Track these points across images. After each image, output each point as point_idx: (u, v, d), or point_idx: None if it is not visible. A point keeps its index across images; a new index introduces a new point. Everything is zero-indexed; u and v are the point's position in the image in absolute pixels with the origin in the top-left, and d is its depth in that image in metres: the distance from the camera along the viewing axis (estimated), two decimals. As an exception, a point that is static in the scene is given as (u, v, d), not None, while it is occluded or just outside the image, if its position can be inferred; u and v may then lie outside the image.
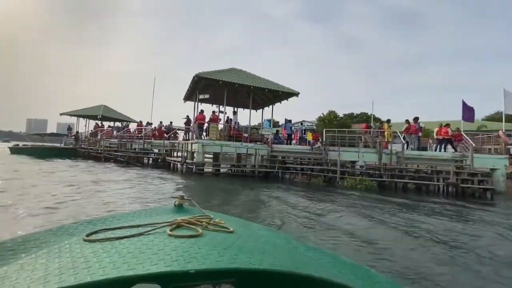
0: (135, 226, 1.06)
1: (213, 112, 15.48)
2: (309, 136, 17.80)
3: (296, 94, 15.58)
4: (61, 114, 30.20)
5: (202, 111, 15.49)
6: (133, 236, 0.96)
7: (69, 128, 29.97)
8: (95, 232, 1.02)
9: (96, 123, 26.89)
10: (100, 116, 25.47)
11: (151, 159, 17.98)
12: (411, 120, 13.79)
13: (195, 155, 13.73)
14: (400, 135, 13.22)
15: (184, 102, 19.25)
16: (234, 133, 14.95)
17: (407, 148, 12.86)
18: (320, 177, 12.00)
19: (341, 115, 49.03)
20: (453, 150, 13.03)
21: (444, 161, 12.39)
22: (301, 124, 38.89)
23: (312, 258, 1.16)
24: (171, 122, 21.70)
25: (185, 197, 1.49)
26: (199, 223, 1.09)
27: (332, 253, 1.35)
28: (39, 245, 1.04)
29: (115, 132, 24.05)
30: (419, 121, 13.74)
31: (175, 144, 16.79)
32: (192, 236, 0.95)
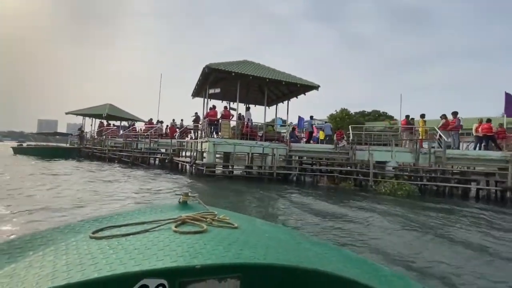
0: (141, 223, 1.06)
1: (225, 107, 14.04)
2: (321, 135, 16.30)
3: (315, 87, 14.04)
4: (66, 113, 29.29)
5: (214, 107, 14.09)
6: (138, 232, 0.96)
7: (80, 129, 29.09)
8: (101, 230, 1.03)
9: (100, 121, 25.76)
10: (105, 114, 24.32)
11: (157, 159, 16.68)
12: (449, 116, 12.09)
13: (205, 155, 12.35)
14: (437, 132, 11.55)
15: (193, 98, 17.91)
16: (247, 130, 13.50)
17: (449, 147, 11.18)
18: (350, 181, 10.45)
19: (352, 112, 47.13)
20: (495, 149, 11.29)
21: (491, 162, 10.68)
22: (311, 119, 37.11)
23: (317, 252, 1.17)
24: (182, 120, 20.40)
25: (190, 194, 1.46)
26: (204, 219, 1.09)
27: (337, 247, 1.35)
28: (46, 243, 1.05)
29: (121, 131, 22.87)
30: (458, 116, 12.02)
31: (183, 144, 15.43)
32: (197, 232, 0.96)
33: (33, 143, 22.83)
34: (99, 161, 18.96)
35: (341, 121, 39.61)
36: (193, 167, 12.15)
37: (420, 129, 12.02)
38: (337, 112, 44.70)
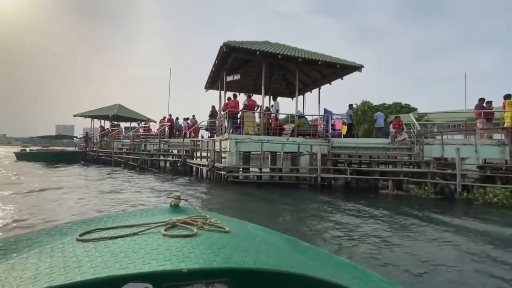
0: (130, 226, 1.03)
1: (249, 95, 11.36)
2: (344, 130, 13.47)
3: (358, 67, 11.21)
4: (74, 116, 27.66)
5: (235, 96, 11.47)
6: (127, 235, 0.94)
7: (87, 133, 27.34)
8: (89, 232, 1.00)
9: (101, 126, 23.66)
10: (112, 115, 22.24)
11: (168, 162, 14.28)
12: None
13: (226, 156, 9.77)
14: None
15: (206, 90, 15.42)
16: (276, 125, 10.84)
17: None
18: (426, 186, 7.59)
19: (374, 105, 43.60)
20: None
21: None
22: (351, 108, 33.97)
23: (308, 257, 1.15)
24: (194, 116, 17.95)
25: (181, 197, 1.41)
26: (195, 223, 1.07)
27: (328, 252, 1.33)
28: (31, 245, 1.01)
29: (131, 133, 20.68)
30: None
31: (198, 143, 12.92)
32: (187, 236, 0.94)
33: (35, 148, 21.05)
34: (105, 165, 16.82)
35: (363, 114, 36.36)
36: (212, 172, 9.59)
37: (506, 114, 9.00)
38: (357, 105, 41.35)
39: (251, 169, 10.68)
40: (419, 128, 8.99)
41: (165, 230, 0.97)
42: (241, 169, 9.68)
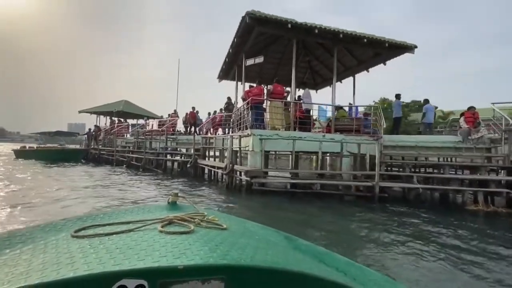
0: (126, 223, 1.02)
1: (277, 81, 9.19)
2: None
3: (410, 48, 8.95)
4: (80, 112, 26.11)
5: (259, 83, 9.38)
6: (122, 232, 0.92)
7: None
8: (84, 228, 0.98)
9: (95, 125, 21.87)
10: (115, 110, 20.46)
11: (176, 162, 12.29)
12: None
13: (248, 156, 7.69)
14: None
15: (219, 81, 13.36)
16: (303, 117, 8.68)
17: None
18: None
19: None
20: None
21: None
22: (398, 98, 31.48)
23: (306, 255, 1.13)
24: (197, 112, 15.88)
25: (179, 194, 1.39)
26: (192, 220, 1.05)
27: (326, 250, 1.30)
28: (25, 241, 0.98)
29: (135, 129, 18.85)
30: None
31: (211, 141, 10.88)
32: (184, 233, 0.92)
33: (34, 145, 19.53)
34: (107, 165, 15.01)
35: (384, 112, 33.71)
36: (231, 176, 7.52)
37: None
38: (375, 103, 38.68)
39: (271, 173, 8.55)
40: (511, 122, 6.65)
41: (162, 227, 0.95)
42: (266, 174, 7.58)
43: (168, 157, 12.55)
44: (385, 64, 10.37)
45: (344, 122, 8.68)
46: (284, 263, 0.86)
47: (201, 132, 13.74)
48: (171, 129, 14.98)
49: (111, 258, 0.72)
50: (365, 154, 7.42)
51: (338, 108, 9.07)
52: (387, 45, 8.67)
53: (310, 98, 9.32)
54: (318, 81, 14.03)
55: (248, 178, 6.73)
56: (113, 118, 21.36)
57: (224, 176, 7.70)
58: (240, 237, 1.00)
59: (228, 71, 12.29)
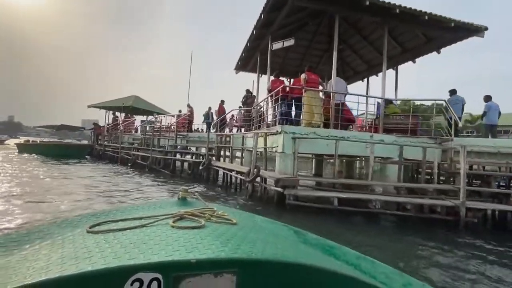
0: (138, 218, 1.03)
1: (309, 67, 7.47)
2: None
3: (480, 30, 7.11)
4: (88, 107, 25.08)
5: (276, 76, 7.73)
6: (135, 227, 0.94)
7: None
8: (98, 224, 0.99)
9: (94, 123, 20.58)
10: (123, 104, 19.21)
11: (186, 163, 10.75)
12: None
13: (277, 159, 6.04)
14: None
15: (237, 72, 11.79)
16: (346, 114, 6.97)
17: None
18: None
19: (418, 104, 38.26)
20: None
21: None
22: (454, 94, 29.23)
23: (316, 249, 1.13)
24: (209, 108, 14.31)
25: (189, 190, 1.39)
26: (202, 215, 1.06)
27: (336, 244, 1.29)
28: (43, 237, 1.01)
29: (147, 127, 17.47)
30: None
31: (227, 139, 9.28)
32: (195, 227, 0.93)
33: (38, 139, 18.51)
34: (111, 162, 13.67)
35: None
36: (258, 185, 5.89)
37: None
38: (397, 105, 36.26)
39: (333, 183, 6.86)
40: None
41: (173, 222, 0.96)
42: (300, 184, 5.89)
43: (178, 156, 11.05)
44: (439, 52, 8.57)
45: (396, 120, 6.91)
46: (294, 257, 0.88)
47: (227, 130, 12.10)
48: (184, 126, 13.41)
49: (126, 252, 0.73)
50: (432, 162, 5.65)
51: (388, 102, 7.30)
52: (452, 25, 6.86)
53: (346, 88, 7.57)
54: (348, 74, 12.24)
55: (280, 189, 5.08)
56: (115, 113, 20.08)
57: (248, 184, 6.06)
58: (250, 231, 1.01)
59: (248, 60, 10.67)
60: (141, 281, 0.65)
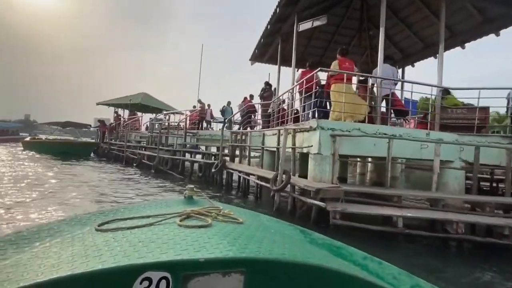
0: (146, 217, 1.03)
1: (343, 51, 6.20)
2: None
3: None
4: (97, 104, 24.38)
5: (309, 65, 6.39)
6: (143, 226, 0.94)
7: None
8: (107, 222, 1.00)
9: (99, 120, 19.60)
10: (130, 101, 18.28)
11: (196, 164, 9.56)
12: None
13: (311, 162, 4.73)
14: None
15: (252, 63, 10.53)
16: (398, 105, 5.63)
17: None
18: None
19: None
20: None
21: None
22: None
23: (323, 248, 1.12)
24: (208, 105, 12.90)
25: (195, 189, 1.38)
26: (209, 214, 1.06)
27: (343, 244, 1.28)
28: (53, 234, 1.01)
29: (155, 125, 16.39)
30: None
31: (243, 138, 8.03)
32: (202, 226, 0.93)
33: (43, 137, 17.82)
34: (116, 162, 12.68)
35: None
36: (291, 198, 4.61)
37: None
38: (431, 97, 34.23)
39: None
40: None
41: (180, 221, 0.96)
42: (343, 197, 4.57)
43: (187, 156, 9.89)
44: (498, 35, 7.10)
45: (456, 114, 5.51)
46: (302, 257, 0.87)
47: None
48: (195, 123, 12.22)
49: (135, 251, 0.73)
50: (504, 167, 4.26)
51: (445, 92, 5.90)
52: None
53: (396, 73, 6.20)
54: (375, 65, 10.81)
55: (320, 203, 3.79)
56: (117, 111, 19.17)
57: (274, 194, 4.77)
58: (257, 231, 1.00)
59: (267, 48, 9.39)
60: (150, 280, 0.64)
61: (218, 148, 9.92)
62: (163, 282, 0.65)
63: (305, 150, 5.05)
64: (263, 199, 5.93)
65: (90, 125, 20.91)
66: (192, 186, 1.39)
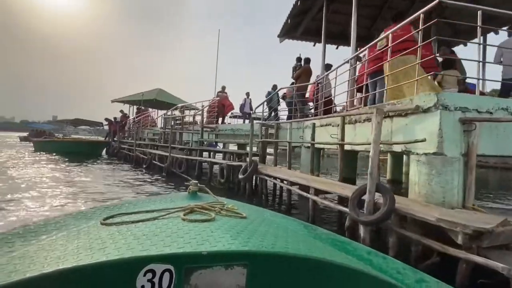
0: (150, 211, 1.03)
1: (397, 15, 4.10)
2: None
3: None
4: (112, 101, 23.31)
5: (393, 20, 4.19)
6: (148, 220, 0.94)
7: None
8: (112, 217, 0.99)
9: (106, 119, 18.07)
10: (142, 96, 16.83)
11: (217, 166, 7.63)
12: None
13: (423, 168, 2.64)
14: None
15: (281, 40, 8.47)
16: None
17: None
18: None
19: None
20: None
21: None
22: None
23: (326, 243, 1.10)
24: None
25: (199, 184, 1.35)
26: (212, 208, 1.05)
27: (347, 239, 1.27)
28: (59, 228, 1.01)
29: (172, 122, 14.64)
30: None
31: (278, 131, 5.96)
32: (205, 221, 0.93)
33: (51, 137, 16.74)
34: (126, 163, 11.10)
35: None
36: (395, 237, 2.54)
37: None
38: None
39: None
40: None
41: (184, 215, 0.96)
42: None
43: (205, 155, 8.02)
44: None
45: None
46: (305, 251, 0.85)
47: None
48: (216, 116, 10.26)
49: (139, 244, 0.73)
50: None
51: None
52: None
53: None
54: (447, 34, 8.37)
55: (484, 261, 1.72)
56: (122, 110, 17.75)
57: (364, 225, 2.70)
58: (260, 225, 0.99)
59: (301, 19, 7.28)
60: (153, 272, 0.65)
61: (239, 146, 8.02)
62: (166, 274, 0.65)
63: (400, 148, 2.96)
64: (321, 219, 3.89)
65: (102, 123, 19.72)
66: (196, 181, 1.34)
